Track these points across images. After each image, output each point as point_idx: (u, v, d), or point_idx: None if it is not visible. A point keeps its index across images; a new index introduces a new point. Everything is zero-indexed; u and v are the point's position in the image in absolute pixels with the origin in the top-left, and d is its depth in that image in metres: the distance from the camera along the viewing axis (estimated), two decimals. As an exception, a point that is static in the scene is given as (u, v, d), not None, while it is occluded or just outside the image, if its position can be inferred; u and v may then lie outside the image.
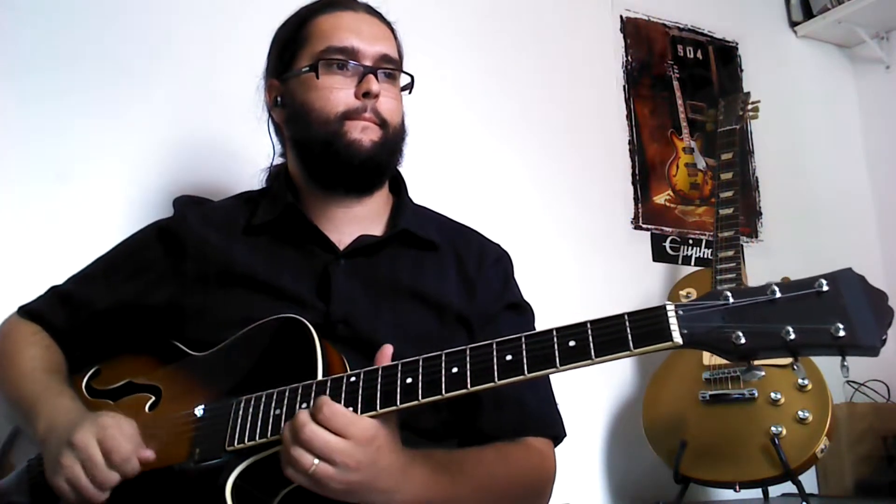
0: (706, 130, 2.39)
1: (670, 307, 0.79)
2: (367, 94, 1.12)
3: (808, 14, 2.77)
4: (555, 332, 0.83)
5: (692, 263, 2.32)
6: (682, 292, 2.05)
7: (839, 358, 0.75)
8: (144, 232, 1.25)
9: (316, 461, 0.83)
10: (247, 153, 1.73)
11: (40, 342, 1.18)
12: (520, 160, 2.13)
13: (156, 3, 1.74)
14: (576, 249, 2.14)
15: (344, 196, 1.18)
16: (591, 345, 0.80)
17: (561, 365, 0.81)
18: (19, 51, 1.58)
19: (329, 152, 1.13)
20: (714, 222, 2.04)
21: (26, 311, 1.22)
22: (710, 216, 2.26)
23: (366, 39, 1.15)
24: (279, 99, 1.20)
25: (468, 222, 1.33)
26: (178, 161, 1.68)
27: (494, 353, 0.84)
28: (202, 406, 1.00)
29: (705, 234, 2.36)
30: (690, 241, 2.35)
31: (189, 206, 1.26)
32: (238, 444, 0.92)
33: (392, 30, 1.23)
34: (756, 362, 0.79)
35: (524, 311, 1.24)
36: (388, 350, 0.93)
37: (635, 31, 2.44)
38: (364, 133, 1.13)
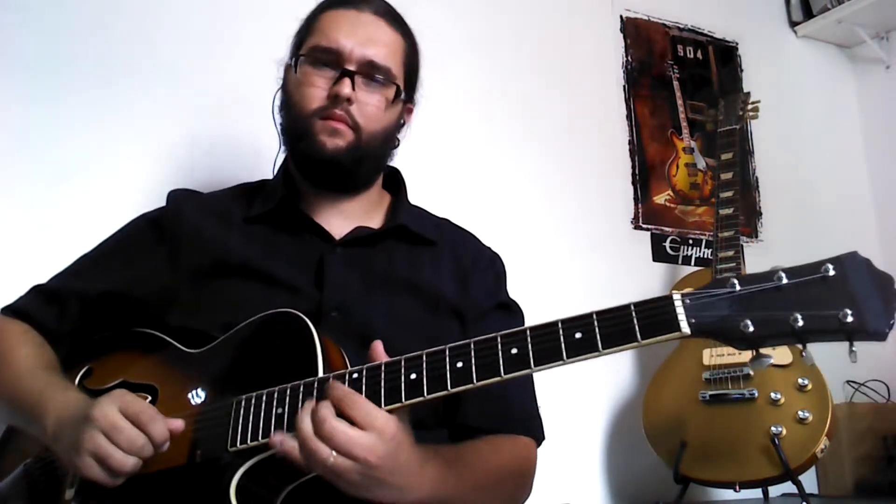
0: (706, 130, 2.39)
1: (677, 296, 0.77)
2: (336, 97, 1.12)
3: (808, 14, 2.77)
4: (560, 325, 0.81)
5: (692, 263, 2.32)
6: (683, 292, 2.05)
7: (847, 344, 0.73)
8: (134, 224, 1.25)
9: (334, 454, 0.82)
10: (248, 152, 1.73)
11: (32, 341, 1.15)
12: (520, 160, 2.13)
13: (155, 3, 1.74)
14: (576, 249, 2.14)
15: (327, 190, 1.20)
16: (598, 336, 0.79)
17: (567, 358, 0.79)
18: (20, 51, 1.58)
19: (299, 148, 1.16)
20: (714, 222, 2.04)
21: (12, 311, 1.19)
22: (710, 216, 2.25)
23: (356, 42, 1.13)
24: (282, 84, 1.22)
25: (468, 222, 1.33)
26: (179, 161, 1.68)
27: (500, 346, 0.83)
28: (201, 406, 0.98)
29: (705, 234, 2.36)
30: (690, 241, 2.35)
31: (184, 198, 1.25)
32: (241, 444, 0.91)
33: (404, 37, 1.21)
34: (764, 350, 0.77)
35: (515, 312, 1.25)
36: (379, 346, 0.91)
37: (635, 31, 2.44)
38: (331, 136, 1.12)
